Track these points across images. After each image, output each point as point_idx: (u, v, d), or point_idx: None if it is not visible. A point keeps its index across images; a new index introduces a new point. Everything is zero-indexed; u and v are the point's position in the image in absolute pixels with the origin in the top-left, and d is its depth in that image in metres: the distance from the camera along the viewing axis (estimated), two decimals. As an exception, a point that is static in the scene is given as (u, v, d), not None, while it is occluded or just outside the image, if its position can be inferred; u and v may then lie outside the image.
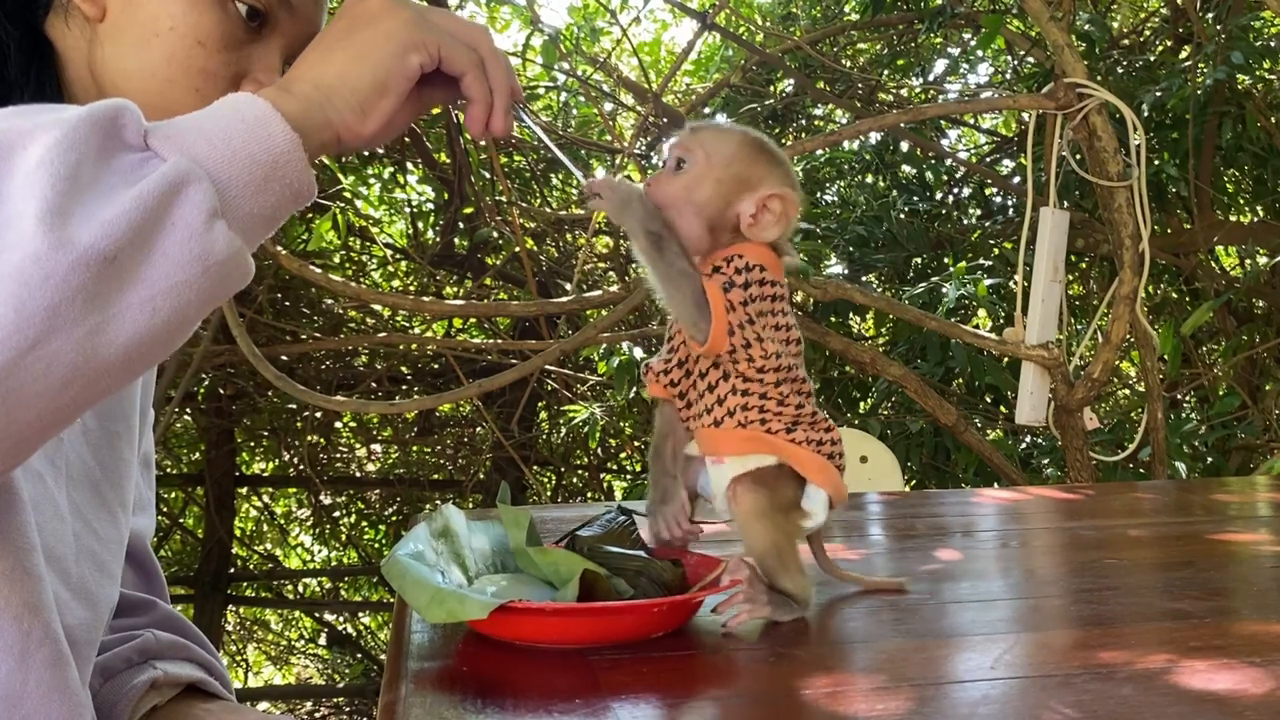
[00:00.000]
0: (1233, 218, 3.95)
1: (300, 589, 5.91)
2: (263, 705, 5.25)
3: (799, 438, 0.88)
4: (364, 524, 5.59)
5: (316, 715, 5.44)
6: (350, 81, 0.70)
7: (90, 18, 0.78)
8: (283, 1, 0.81)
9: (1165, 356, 2.93)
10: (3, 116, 0.58)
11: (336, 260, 4.71)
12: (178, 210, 0.58)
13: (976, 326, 3.55)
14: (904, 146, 4.15)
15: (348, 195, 4.19)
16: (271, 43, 0.82)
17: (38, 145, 0.56)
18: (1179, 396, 3.97)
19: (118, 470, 0.88)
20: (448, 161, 4.29)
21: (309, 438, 4.81)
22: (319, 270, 3.35)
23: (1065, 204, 2.65)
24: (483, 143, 3.98)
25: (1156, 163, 3.37)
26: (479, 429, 4.94)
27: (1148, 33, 4.31)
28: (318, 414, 4.64)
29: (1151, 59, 3.89)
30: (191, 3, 0.77)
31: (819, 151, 3.96)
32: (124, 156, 0.59)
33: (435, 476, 5.16)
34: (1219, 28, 3.28)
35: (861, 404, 3.89)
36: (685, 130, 0.90)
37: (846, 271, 3.69)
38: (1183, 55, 3.76)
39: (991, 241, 3.98)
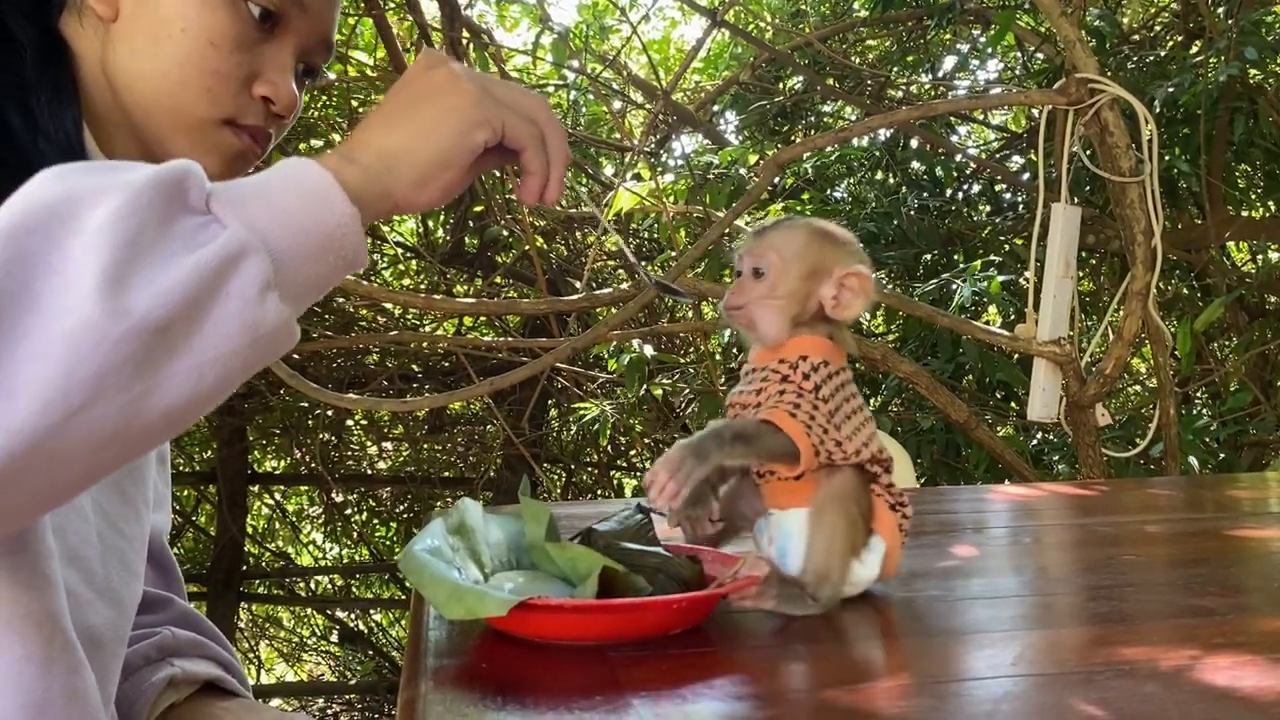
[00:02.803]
0: (1244, 213, 3.93)
1: (312, 586, 5.93)
2: (275, 702, 5.27)
3: (876, 491, 0.90)
4: (375, 521, 5.60)
5: (329, 712, 5.46)
6: (414, 155, 0.70)
7: (104, 18, 0.78)
8: (295, 1, 0.81)
9: (1178, 353, 2.92)
10: (73, 173, 0.59)
11: (347, 259, 4.71)
12: (234, 282, 0.58)
13: (987, 323, 3.54)
14: (914, 143, 4.14)
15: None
16: (284, 43, 0.82)
17: (102, 208, 0.56)
18: (1191, 392, 3.95)
19: (140, 468, 0.88)
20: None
21: (320, 436, 4.82)
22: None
23: (1076, 200, 2.64)
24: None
25: (1168, 158, 3.35)
26: (489, 427, 4.94)
27: (1158, 27, 4.29)
28: (329, 412, 4.65)
29: (1162, 54, 3.88)
30: (204, 4, 0.77)
31: (829, 148, 3.95)
32: (185, 220, 0.59)
33: (446, 474, 5.17)
34: (1230, 22, 3.27)
35: (872, 401, 3.89)
36: (750, 238, 0.92)
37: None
38: (1194, 50, 3.74)
39: (1002, 238, 3.96)
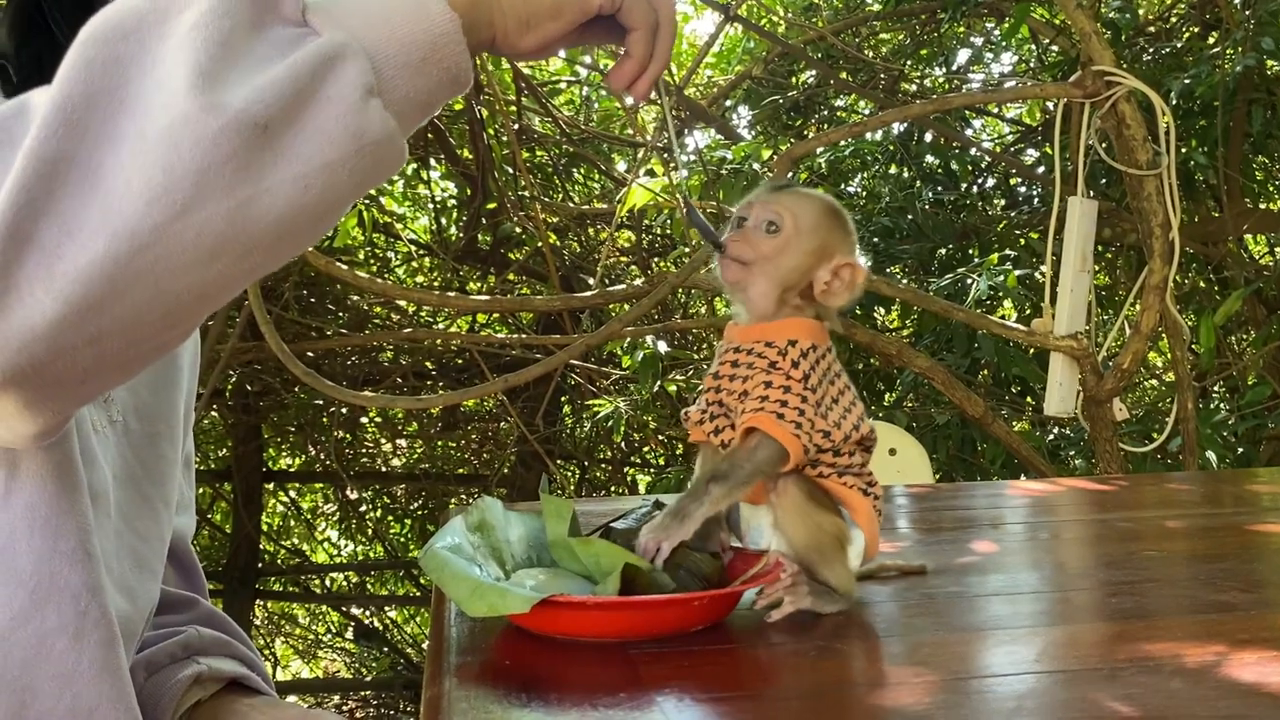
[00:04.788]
0: (1262, 205, 3.90)
1: (327, 583, 5.95)
2: (291, 699, 5.29)
3: (849, 483, 0.89)
4: (390, 518, 5.62)
5: (344, 709, 5.48)
6: None
7: None
8: None
9: (1194, 347, 2.90)
10: None
11: (361, 256, 4.73)
12: (333, 84, 0.56)
13: (1003, 317, 3.53)
14: (928, 137, 4.12)
15: (372, 191, 4.20)
16: None
17: (192, 10, 0.55)
18: (1209, 386, 3.93)
19: (160, 469, 0.88)
20: (470, 157, 4.30)
21: (335, 433, 4.84)
22: (344, 266, 3.37)
23: (1092, 193, 2.63)
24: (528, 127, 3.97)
25: (1185, 151, 3.33)
26: (503, 424, 4.95)
27: (1175, 19, 4.26)
28: (344, 409, 4.66)
29: (1179, 46, 3.85)
30: None
31: (842, 142, 3.94)
32: (279, 29, 0.57)
33: (460, 471, 5.18)
34: (1247, 13, 3.24)
35: (887, 396, 3.88)
36: (766, 190, 0.90)
37: (871, 263, 3.67)
38: (1211, 41, 3.72)
39: (1017, 232, 3.95)
